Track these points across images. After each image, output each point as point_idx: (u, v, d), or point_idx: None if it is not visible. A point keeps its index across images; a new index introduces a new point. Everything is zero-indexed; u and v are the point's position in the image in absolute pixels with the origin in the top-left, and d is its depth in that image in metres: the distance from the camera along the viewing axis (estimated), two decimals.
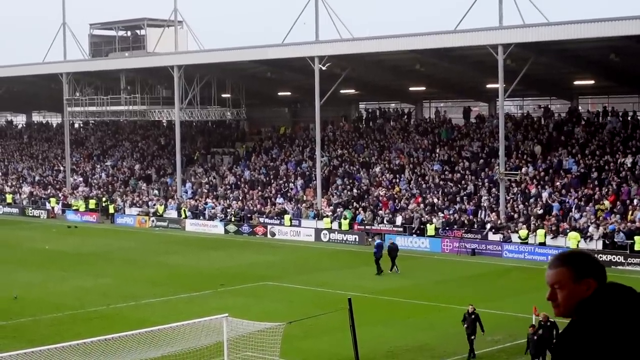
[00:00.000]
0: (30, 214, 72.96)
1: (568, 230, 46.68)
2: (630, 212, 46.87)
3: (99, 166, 79.67)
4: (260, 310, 33.18)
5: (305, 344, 28.81)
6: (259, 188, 64.73)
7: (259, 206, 61.66)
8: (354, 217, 55.79)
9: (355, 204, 57.46)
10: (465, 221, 51.37)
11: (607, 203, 48.16)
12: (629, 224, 45.66)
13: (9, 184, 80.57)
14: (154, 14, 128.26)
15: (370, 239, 52.15)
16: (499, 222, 50.14)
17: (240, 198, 63.95)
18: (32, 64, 76.90)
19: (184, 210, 64.08)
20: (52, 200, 73.02)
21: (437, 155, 60.45)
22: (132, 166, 77.08)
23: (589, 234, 46.28)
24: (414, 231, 52.16)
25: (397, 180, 58.95)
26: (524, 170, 53.67)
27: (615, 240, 45.00)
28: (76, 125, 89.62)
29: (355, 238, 53.89)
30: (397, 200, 56.25)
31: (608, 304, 3.53)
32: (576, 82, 60.10)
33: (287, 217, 58.45)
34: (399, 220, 53.88)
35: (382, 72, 62.71)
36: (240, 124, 79.06)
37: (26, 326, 32.38)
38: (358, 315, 24.73)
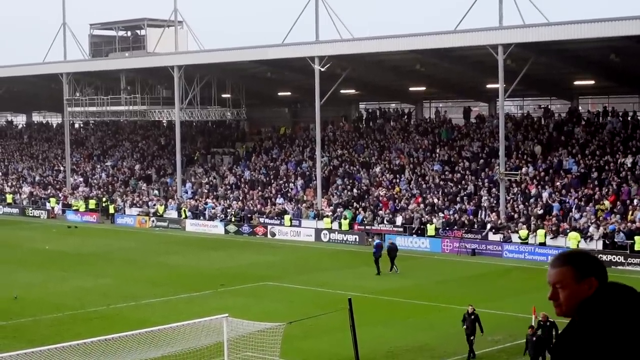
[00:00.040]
0: (30, 214, 72.92)
1: (568, 231, 46.67)
2: (630, 212, 46.86)
3: (99, 166, 79.63)
4: (260, 311, 33.16)
5: (306, 344, 28.79)
6: (259, 188, 64.71)
7: (259, 206, 61.63)
8: (354, 217, 55.77)
9: (355, 204, 57.45)
10: (466, 221, 51.35)
11: (607, 203, 48.15)
12: (629, 224, 45.65)
13: (9, 184, 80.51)
14: (154, 14, 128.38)
15: (370, 239, 52.14)
16: (499, 222, 50.13)
17: (241, 198, 63.93)
18: (32, 64, 76.85)
19: (184, 211, 64.06)
20: (52, 200, 72.98)
21: (437, 155, 60.43)
22: (132, 166, 77.05)
23: (589, 234, 46.27)
24: (414, 231, 52.15)
25: (397, 181, 58.93)
26: (524, 170, 53.65)
27: (616, 240, 44.99)
28: (76, 126, 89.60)
29: (356, 238, 53.88)
30: (397, 201, 56.23)
31: (610, 304, 3.52)
32: (576, 82, 60.09)
33: (287, 217, 58.44)
34: (399, 220, 53.87)
35: (382, 72, 62.66)
36: (241, 124, 79.03)
37: (26, 326, 32.36)
38: (358, 315, 24.72)
